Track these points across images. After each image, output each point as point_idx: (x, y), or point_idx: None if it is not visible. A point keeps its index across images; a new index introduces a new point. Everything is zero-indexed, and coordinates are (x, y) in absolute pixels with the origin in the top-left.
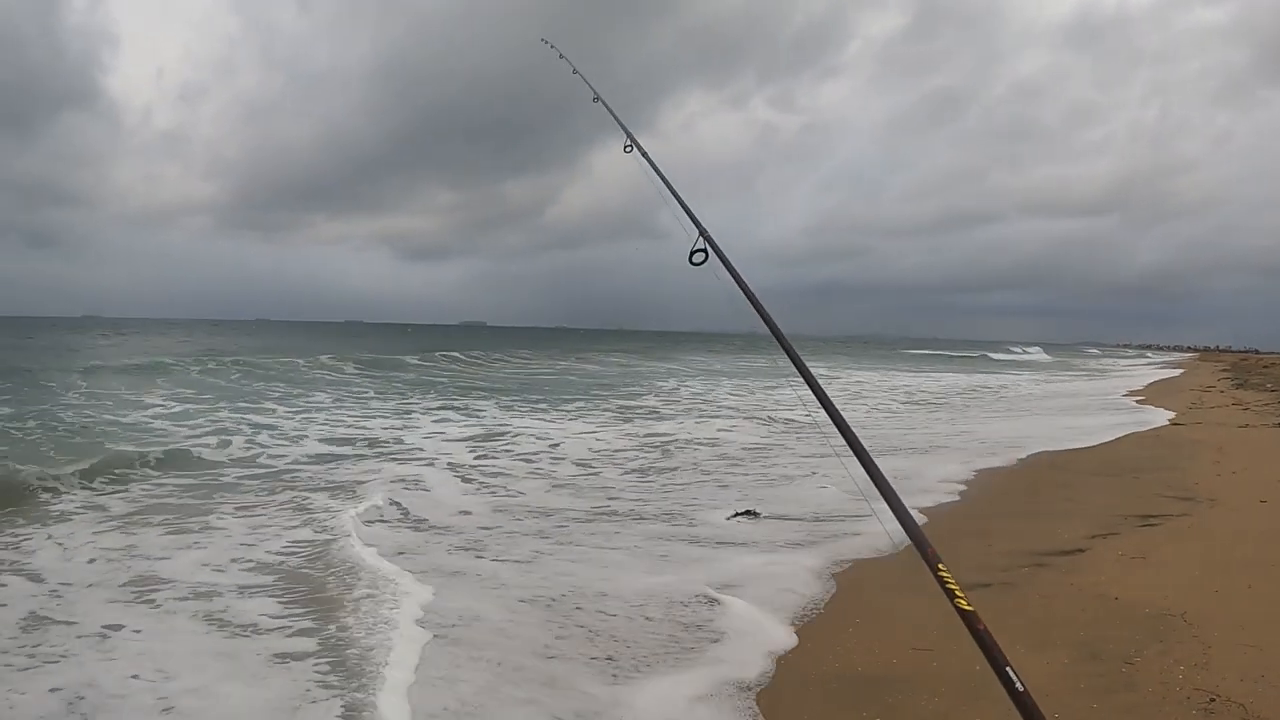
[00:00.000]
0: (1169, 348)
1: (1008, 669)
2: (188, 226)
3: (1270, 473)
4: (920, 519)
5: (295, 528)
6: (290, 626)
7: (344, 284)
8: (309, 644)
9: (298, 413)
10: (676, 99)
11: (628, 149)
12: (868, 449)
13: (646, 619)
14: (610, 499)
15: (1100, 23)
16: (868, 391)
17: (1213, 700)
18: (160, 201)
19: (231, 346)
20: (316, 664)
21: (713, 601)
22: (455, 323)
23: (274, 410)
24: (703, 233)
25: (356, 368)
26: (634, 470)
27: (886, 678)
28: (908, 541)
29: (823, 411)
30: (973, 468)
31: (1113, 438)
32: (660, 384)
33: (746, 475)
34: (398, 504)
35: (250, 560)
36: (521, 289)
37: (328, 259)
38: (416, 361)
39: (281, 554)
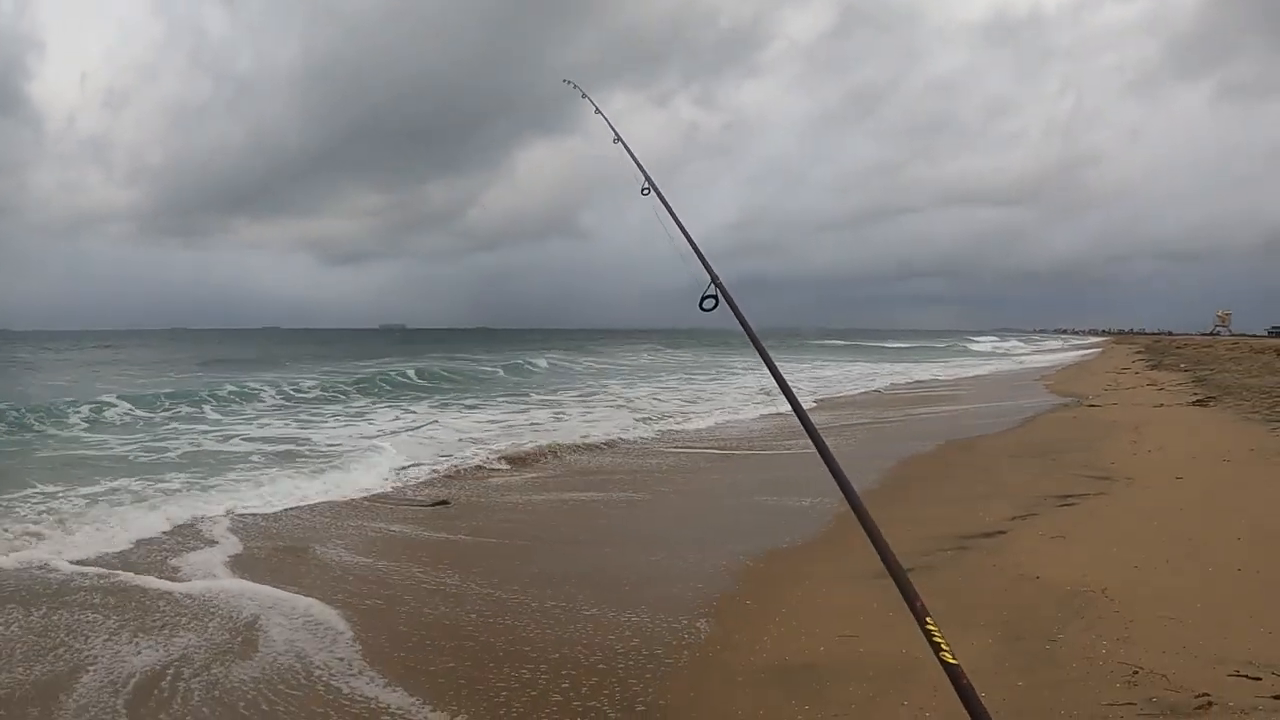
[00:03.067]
0: (1085, 331)
1: None
2: (107, 234)
3: (1185, 450)
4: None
5: None
6: None
7: (264, 290)
8: None
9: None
10: (601, 97)
11: (645, 192)
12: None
13: None
14: None
15: (1015, 21)
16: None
17: (1136, 673)
18: (80, 209)
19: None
20: None
21: None
22: (375, 326)
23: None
24: (714, 280)
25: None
26: None
27: (814, 665)
28: (825, 527)
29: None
30: (895, 454)
31: (1031, 421)
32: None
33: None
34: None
35: None
36: (443, 291)
37: (248, 265)
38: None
39: None
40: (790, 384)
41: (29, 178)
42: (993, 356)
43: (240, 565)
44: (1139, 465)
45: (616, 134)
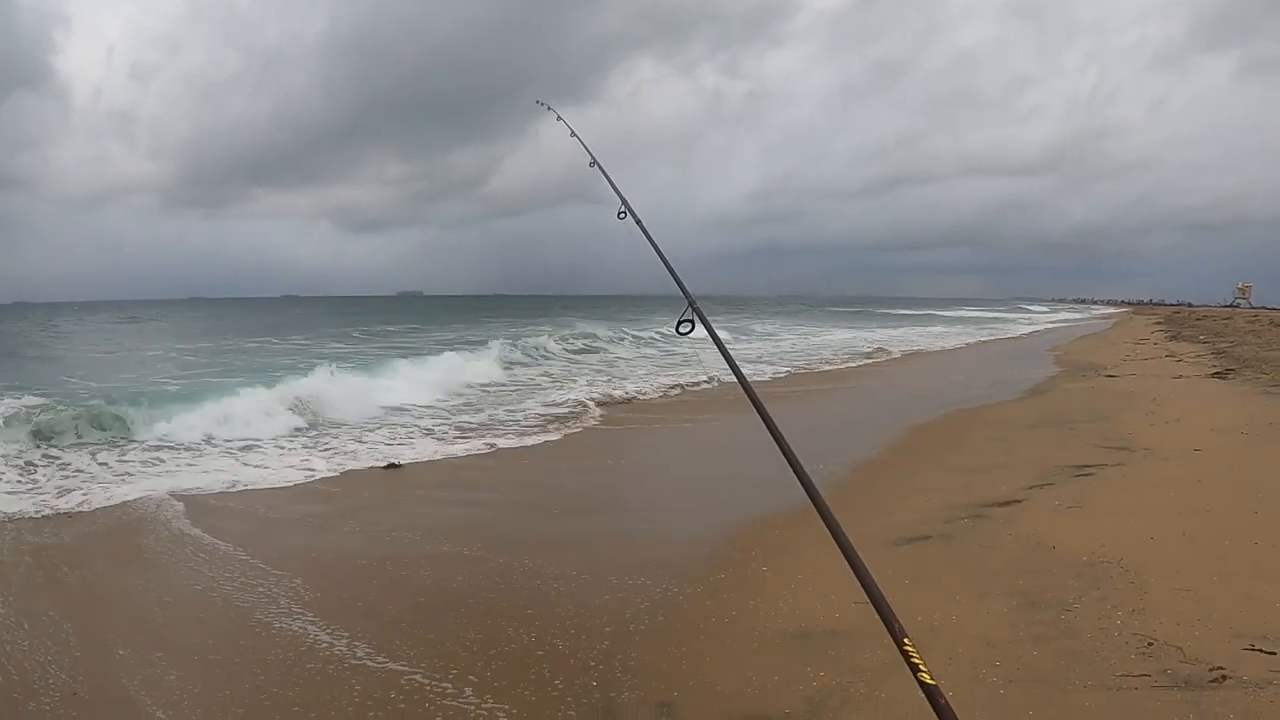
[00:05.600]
0: (1104, 302)
1: None
2: (130, 206)
3: (1204, 422)
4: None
5: None
6: None
7: (284, 259)
8: None
9: None
10: (626, 68)
11: (621, 216)
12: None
13: None
14: None
15: None
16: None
17: (1150, 644)
18: (104, 182)
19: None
20: None
21: None
22: (393, 293)
23: None
24: (692, 304)
25: None
26: None
27: (833, 631)
28: (840, 491)
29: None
30: (907, 420)
31: (1047, 391)
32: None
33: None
34: None
35: None
36: (461, 257)
37: (269, 234)
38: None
39: None
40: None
41: (54, 151)
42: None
43: None
44: (1157, 436)
45: (593, 158)
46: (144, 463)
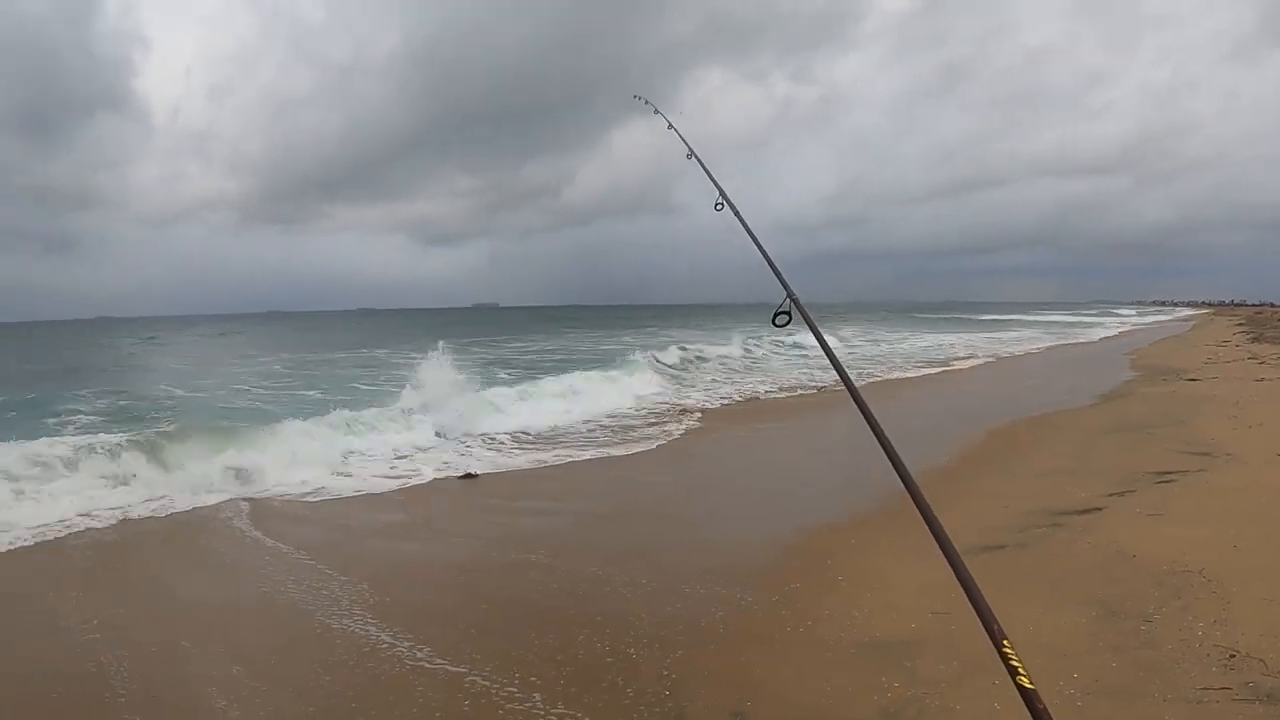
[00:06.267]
0: (1184, 303)
1: None
2: (207, 223)
3: None
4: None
5: None
6: None
7: (358, 272)
8: None
9: None
10: (696, 76)
11: (719, 208)
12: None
13: None
14: None
15: None
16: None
17: (1233, 656)
18: (181, 200)
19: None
20: None
21: None
22: (468, 305)
23: None
24: (790, 295)
25: None
26: None
27: (908, 641)
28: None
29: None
30: (982, 426)
31: (1125, 395)
32: None
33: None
34: None
35: None
36: (535, 269)
37: (343, 248)
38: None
39: None
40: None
41: (134, 171)
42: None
43: None
44: (1240, 441)
45: (690, 149)
46: (242, 470)
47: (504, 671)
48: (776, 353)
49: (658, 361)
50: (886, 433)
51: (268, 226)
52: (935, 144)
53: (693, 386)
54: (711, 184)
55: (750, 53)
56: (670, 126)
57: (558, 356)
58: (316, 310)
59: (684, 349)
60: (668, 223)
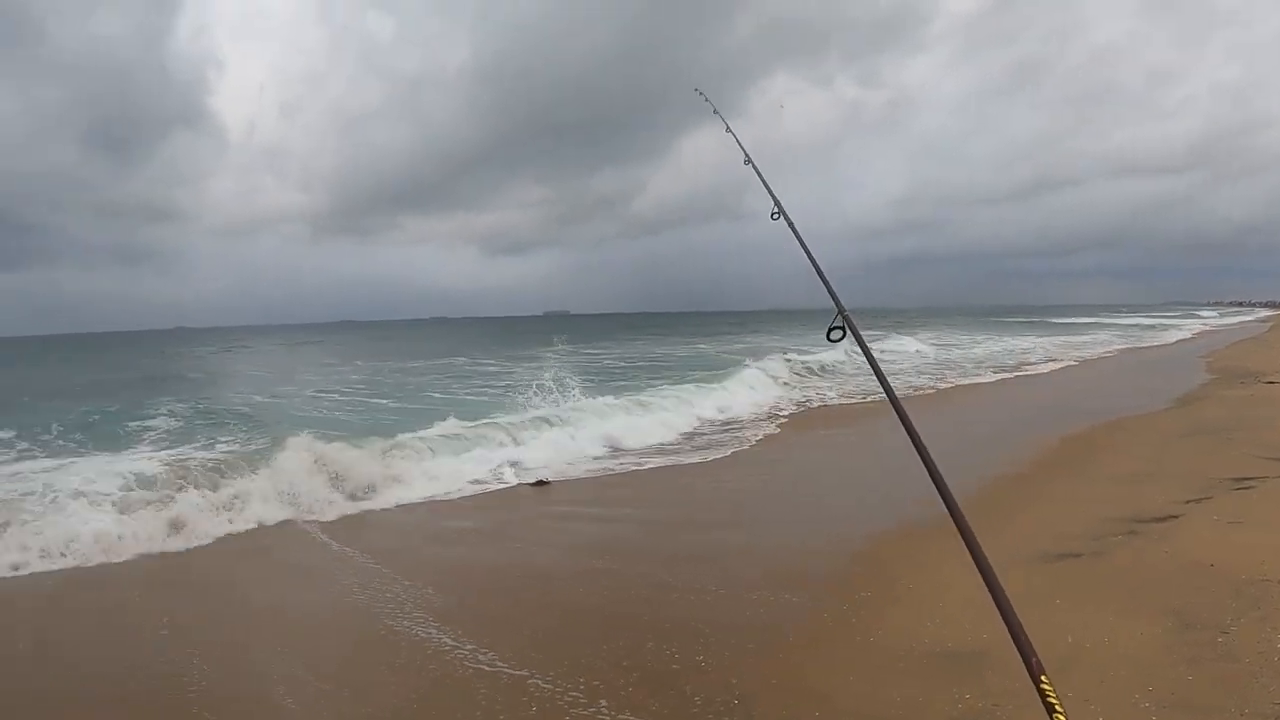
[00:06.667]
0: (1260, 303)
1: None
2: (281, 235)
3: None
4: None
5: None
6: None
7: (430, 282)
8: None
9: None
10: (763, 84)
11: (775, 217)
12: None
13: None
14: None
15: None
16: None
17: None
18: (256, 213)
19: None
20: None
21: None
22: (540, 313)
23: None
24: (841, 311)
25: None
26: None
27: (980, 652)
28: (984, 500)
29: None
30: (1056, 432)
31: (1201, 398)
32: None
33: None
34: None
35: None
36: (604, 277)
37: (415, 259)
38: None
39: None
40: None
41: (210, 185)
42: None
43: None
44: None
45: (747, 155)
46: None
47: (569, 677)
48: (881, 358)
49: (763, 369)
50: (951, 439)
51: (340, 238)
52: (1005, 145)
53: (798, 390)
54: (767, 192)
55: (816, 58)
56: (728, 130)
57: (641, 364)
58: (390, 320)
59: (789, 357)
60: (737, 229)
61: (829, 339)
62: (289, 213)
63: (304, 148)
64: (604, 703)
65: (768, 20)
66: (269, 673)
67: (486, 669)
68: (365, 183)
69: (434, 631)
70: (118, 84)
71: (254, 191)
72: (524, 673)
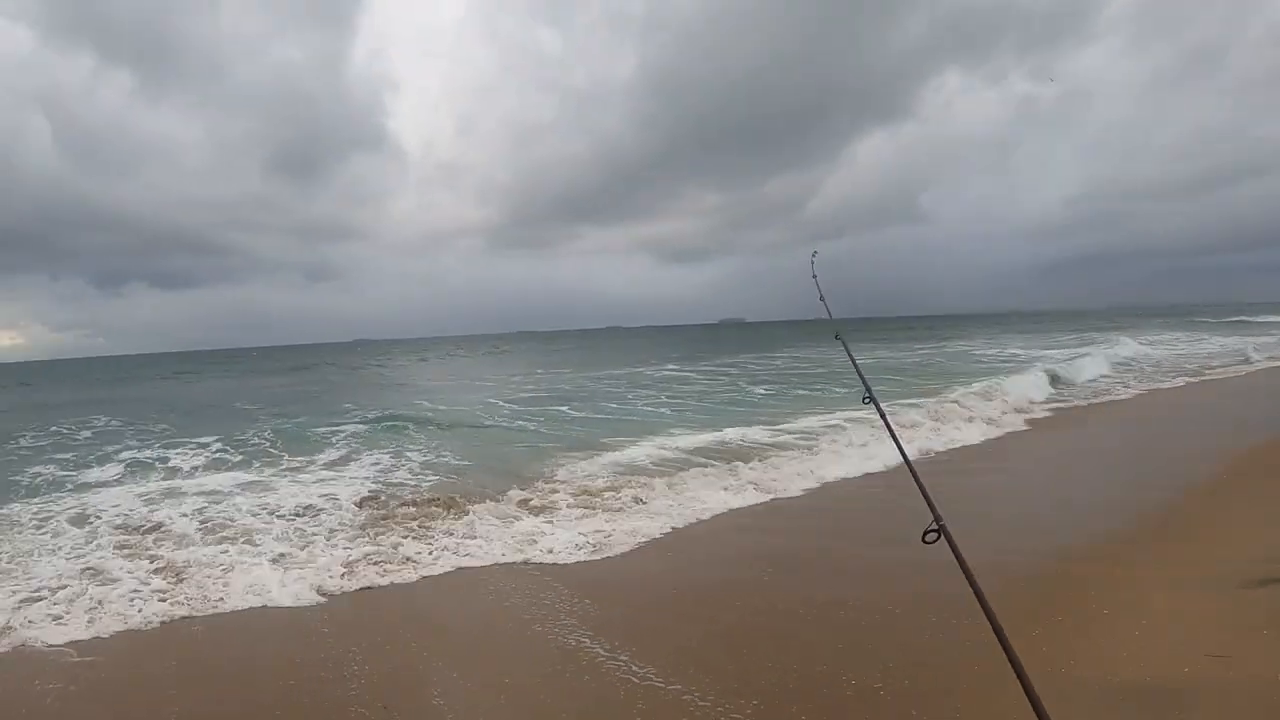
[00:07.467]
0: None
1: None
2: (458, 249)
3: None
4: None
5: None
6: None
7: (605, 291)
8: None
9: None
10: (934, 83)
11: (866, 401)
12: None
13: None
14: None
15: None
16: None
17: None
18: (433, 229)
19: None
20: None
21: None
22: (715, 321)
23: None
24: (937, 518)
25: None
26: None
27: (1176, 689)
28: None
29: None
30: (1264, 437)
31: None
32: None
33: None
34: None
35: None
36: (779, 283)
37: (591, 269)
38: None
39: None
40: None
41: (389, 204)
42: None
43: None
44: None
45: (831, 316)
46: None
47: (730, 697)
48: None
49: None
50: (1140, 447)
51: (516, 250)
52: (1186, 134)
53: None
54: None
55: (988, 53)
56: (820, 298)
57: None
58: (566, 329)
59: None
60: (916, 232)
61: (924, 540)
62: (466, 226)
63: (478, 163)
64: None
65: (938, 18)
66: (425, 676)
67: (639, 683)
68: (539, 195)
69: (585, 640)
70: (300, 111)
71: (431, 208)
72: (677, 686)
